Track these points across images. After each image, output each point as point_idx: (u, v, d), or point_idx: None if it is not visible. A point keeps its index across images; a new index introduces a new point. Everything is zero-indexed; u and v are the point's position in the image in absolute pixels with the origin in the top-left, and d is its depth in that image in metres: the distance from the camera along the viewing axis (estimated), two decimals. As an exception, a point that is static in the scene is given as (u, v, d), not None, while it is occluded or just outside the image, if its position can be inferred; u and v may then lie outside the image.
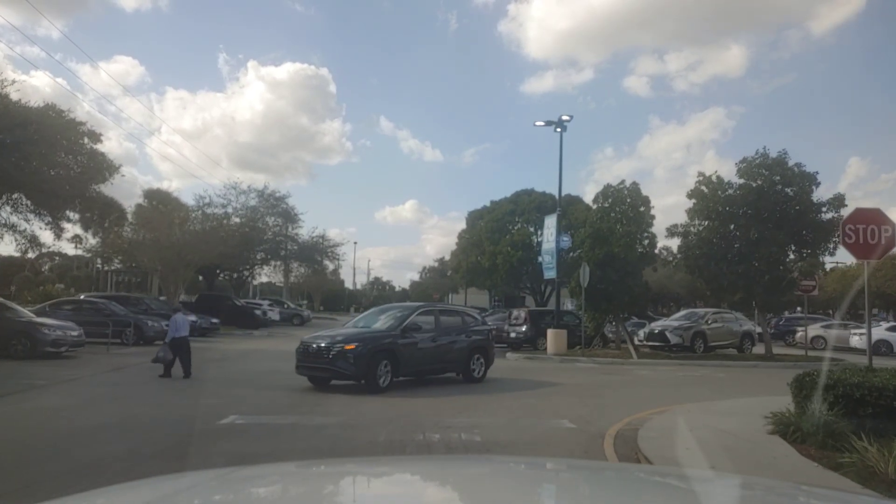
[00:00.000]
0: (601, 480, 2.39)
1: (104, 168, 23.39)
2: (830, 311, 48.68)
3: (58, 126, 21.07)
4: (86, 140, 22.82)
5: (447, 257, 77.43)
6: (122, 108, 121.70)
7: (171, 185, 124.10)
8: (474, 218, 57.72)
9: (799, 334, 33.36)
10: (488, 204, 56.90)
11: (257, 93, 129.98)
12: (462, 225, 60.77)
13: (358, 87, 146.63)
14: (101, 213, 41.71)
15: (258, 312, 34.48)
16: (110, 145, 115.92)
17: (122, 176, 24.16)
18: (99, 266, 45.80)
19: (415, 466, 2.98)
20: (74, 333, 16.58)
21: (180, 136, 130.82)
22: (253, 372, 15.06)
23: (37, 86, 65.83)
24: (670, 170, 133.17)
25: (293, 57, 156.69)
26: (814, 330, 32.79)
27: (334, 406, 10.54)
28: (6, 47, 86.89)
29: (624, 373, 17.21)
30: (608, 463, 6.15)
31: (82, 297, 25.87)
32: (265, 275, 59.26)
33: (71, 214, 23.81)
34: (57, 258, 73.47)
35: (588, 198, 46.91)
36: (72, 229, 29.88)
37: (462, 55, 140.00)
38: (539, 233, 53.64)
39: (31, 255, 26.65)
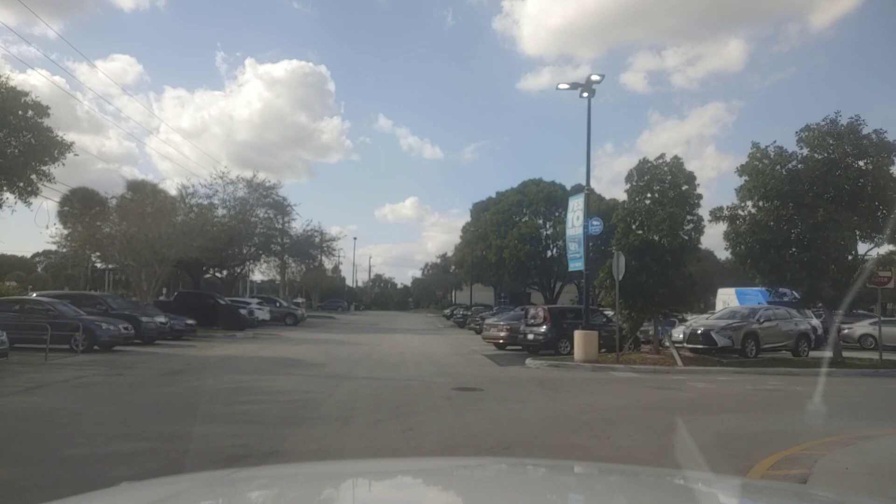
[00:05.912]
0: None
1: (53, 146, 19.99)
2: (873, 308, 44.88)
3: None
4: (30, 113, 19.52)
5: (450, 253, 74.11)
6: (120, 107, 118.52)
7: (172, 183, 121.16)
8: (479, 210, 54.35)
9: (845, 332, 30.16)
10: (493, 195, 53.56)
11: (255, 91, 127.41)
12: (463, 221, 57.47)
13: (356, 85, 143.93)
14: (83, 207, 38.33)
15: (243, 311, 31.16)
16: (110, 144, 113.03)
17: (76, 155, 20.71)
18: (98, 265, 42.90)
19: (422, 467, 2.79)
20: (-8, 341, 13.27)
21: (179, 134, 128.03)
22: (211, 390, 11.71)
23: (34, 84, 62.73)
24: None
25: (291, 54, 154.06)
26: (861, 328, 29.49)
27: (304, 445, 7.25)
28: (2, 48, 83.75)
29: (677, 385, 13.85)
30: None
31: (34, 295, 22.62)
32: (259, 272, 56.32)
33: (5, 197, 20.25)
34: (52, 256, 70.72)
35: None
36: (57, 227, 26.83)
37: (459, 52, 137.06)
38: (548, 225, 50.32)
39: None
